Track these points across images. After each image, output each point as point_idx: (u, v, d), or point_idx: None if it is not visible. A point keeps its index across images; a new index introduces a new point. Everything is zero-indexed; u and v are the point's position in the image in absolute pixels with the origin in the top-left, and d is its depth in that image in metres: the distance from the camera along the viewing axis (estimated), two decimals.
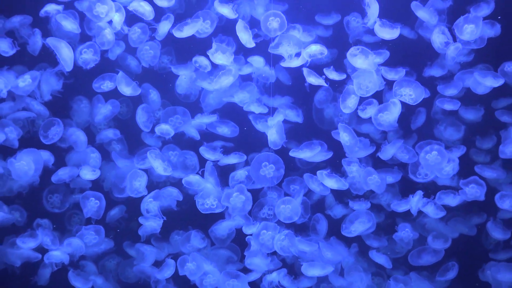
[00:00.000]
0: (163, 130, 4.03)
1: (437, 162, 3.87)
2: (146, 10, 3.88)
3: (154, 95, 4.13)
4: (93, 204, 4.00)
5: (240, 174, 4.08)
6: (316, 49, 3.86)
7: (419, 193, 3.94)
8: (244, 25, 3.90)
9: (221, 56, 3.93)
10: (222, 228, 4.10)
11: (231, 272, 4.01)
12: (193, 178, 4.07)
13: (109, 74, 4.00)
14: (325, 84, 3.93)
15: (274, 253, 4.01)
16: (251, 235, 4.00)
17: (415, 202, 3.92)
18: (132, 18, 3.99)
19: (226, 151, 4.09)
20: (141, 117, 4.09)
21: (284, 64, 3.94)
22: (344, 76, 3.93)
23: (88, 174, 3.97)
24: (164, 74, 4.14)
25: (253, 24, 3.99)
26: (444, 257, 4.06)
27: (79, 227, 4.06)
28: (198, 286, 4.03)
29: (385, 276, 4.18)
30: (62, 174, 4.02)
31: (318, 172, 3.98)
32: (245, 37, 3.91)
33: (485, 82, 3.88)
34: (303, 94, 4.13)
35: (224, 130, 4.13)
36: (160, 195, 4.08)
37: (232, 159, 4.05)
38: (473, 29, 3.84)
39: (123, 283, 4.28)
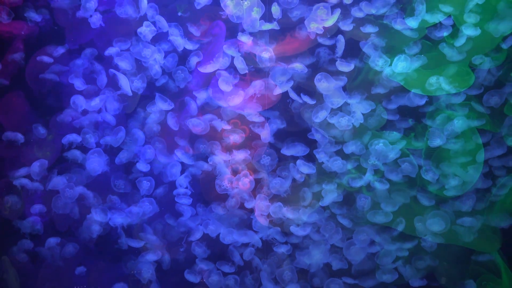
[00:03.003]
0: (194, 123, 4.67)
1: (382, 150, 4.53)
2: (180, 43, 4.66)
3: (193, 104, 4.73)
4: (146, 185, 4.71)
5: (239, 157, 4.66)
6: (299, 67, 4.60)
7: (370, 170, 4.57)
8: (240, 59, 4.59)
9: (224, 84, 4.64)
10: (233, 194, 4.59)
11: (242, 231, 4.68)
12: (217, 158, 4.69)
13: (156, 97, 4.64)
14: (301, 101, 4.61)
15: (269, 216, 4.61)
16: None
17: (367, 177, 4.58)
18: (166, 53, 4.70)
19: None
20: (170, 120, 4.74)
21: (276, 91, 4.58)
22: (314, 101, 4.56)
23: (142, 165, 4.72)
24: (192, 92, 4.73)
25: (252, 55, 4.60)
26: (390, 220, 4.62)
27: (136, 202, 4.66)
28: (221, 240, 4.62)
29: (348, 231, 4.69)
30: (122, 157, 4.69)
31: (297, 161, 4.64)
32: (241, 67, 4.63)
33: (415, 100, 4.57)
34: (287, 107, 4.75)
35: (236, 138, 4.73)
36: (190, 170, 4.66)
37: (239, 154, 4.70)
38: (404, 64, 4.50)
39: (168, 241, 4.83)
